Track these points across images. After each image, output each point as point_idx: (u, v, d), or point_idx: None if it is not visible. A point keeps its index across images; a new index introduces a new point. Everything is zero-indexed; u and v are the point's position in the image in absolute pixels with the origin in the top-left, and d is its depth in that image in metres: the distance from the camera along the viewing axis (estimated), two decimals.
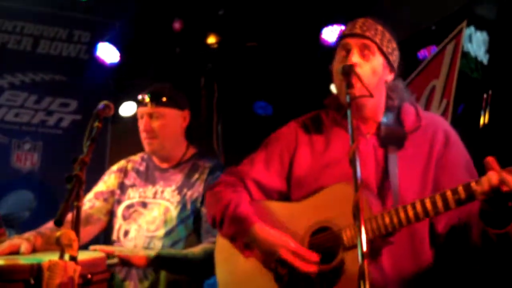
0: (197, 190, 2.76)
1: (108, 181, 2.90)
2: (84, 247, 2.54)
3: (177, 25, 4.63)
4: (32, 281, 1.78)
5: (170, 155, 2.87)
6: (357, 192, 1.60)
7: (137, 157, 2.99)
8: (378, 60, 2.10)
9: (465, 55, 3.20)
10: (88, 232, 2.78)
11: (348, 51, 2.10)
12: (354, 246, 1.92)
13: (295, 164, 2.22)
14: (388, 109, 2.17)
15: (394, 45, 2.16)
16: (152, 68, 4.65)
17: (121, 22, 4.74)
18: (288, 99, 4.65)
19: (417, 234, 2.03)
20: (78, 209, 1.81)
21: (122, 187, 2.88)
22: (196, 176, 2.80)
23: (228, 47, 4.65)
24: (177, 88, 2.94)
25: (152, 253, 2.56)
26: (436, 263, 2.08)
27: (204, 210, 2.70)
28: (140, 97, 2.83)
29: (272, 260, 2.09)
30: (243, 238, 2.14)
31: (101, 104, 2.15)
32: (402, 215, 1.89)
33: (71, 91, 4.78)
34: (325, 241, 2.03)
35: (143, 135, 2.83)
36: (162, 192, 2.80)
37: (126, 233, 2.77)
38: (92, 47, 4.57)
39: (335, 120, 2.23)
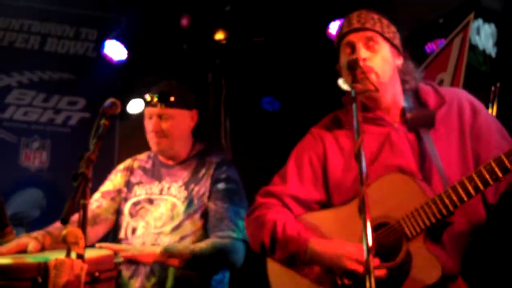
0: (204, 185, 2.76)
1: (115, 180, 2.91)
2: (93, 247, 2.55)
3: (184, 21, 4.62)
4: (39, 280, 1.78)
5: (177, 154, 2.88)
6: (362, 187, 1.59)
7: (143, 156, 3.00)
8: (385, 48, 2.08)
9: (473, 48, 3.18)
10: (96, 231, 2.79)
11: (353, 48, 2.08)
12: (417, 234, 1.89)
13: (329, 170, 2.18)
14: (406, 93, 2.15)
15: (394, 28, 2.13)
16: (159, 64, 4.64)
17: (128, 19, 4.74)
18: (296, 95, 4.64)
19: (468, 208, 1.97)
20: (85, 207, 1.81)
21: (129, 185, 2.88)
22: (203, 171, 2.80)
23: (236, 42, 4.64)
24: (184, 85, 2.93)
25: (158, 249, 2.56)
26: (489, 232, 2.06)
27: (211, 205, 2.71)
28: (148, 97, 2.82)
29: (335, 273, 2.03)
30: (300, 258, 2.06)
31: (107, 102, 2.15)
32: (460, 190, 1.85)
33: (79, 89, 4.76)
34: (386, 236, 1.96)
35: (151, 135, 2.83)
36: (169, 188, 2.80)
37: (134, 230, 2.78)
38: (99, 45, 4.57)
39: None
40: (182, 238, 2.69)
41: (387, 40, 2.09)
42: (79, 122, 4.77)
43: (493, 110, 2.86)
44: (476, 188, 1.84)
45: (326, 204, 2.20)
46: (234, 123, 4.69)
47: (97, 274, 1.92)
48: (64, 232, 1.69)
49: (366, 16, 2.09)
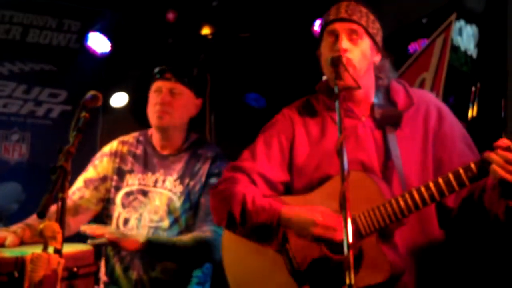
0: (200, 180, 2.73)
1: (100, 166, 2.82)
2: (75, 236, 2.53)
3: (170, 16, 4.59)
4: (16, 274, 1.77)
5: (172, 139, 2.82)
6: (343, 183, 1.61)
7: (131, 139, 2.90)
8: (366, 43, 2.11)
9: (455, 49, 3.22)
10: (78, 221, 2.73)
11: (336, 37, 2.10)
12: (371, 233, 1.95)
13: (294, 152, 2.23)
14: (377, 89, 2.19)
15: (378, 25, 2.17)
16: (143, 58, 4.61)
17: (112, 11, 4.70)
18: (281, 92, 4.64)
19: (423, 213, 2.03)
20: (63, 201, 1.79)
21: (120, 173, 2.81)
22: (199, 165, 2.77)
23: (221, 38, 4.63)
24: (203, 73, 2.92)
25: (141, 238, 2.53)
26: (448, 239, 2.09)
27: (202, 200, 2.69)
28: (159, 70, 2.79)
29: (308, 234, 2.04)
30: (273, 226, 2.08)
31: (88, 94, 2.12)
32: (417, 197, 1.90)
33: (61, 81, 4.70)
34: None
35: (155, 108, 2.75)
36: (164, 181, 2.76)
37: (126, 221, 2.75)
38: (82, 37, 4.50)
39: (326, 105, 2.23)
40: (179, 233, 2.68)
41: (370, 35, 2.12)
42: (60, 115, 4.70)
43: (473, 110, 2.91)
44: (431, 197, 1.90)
45: (290, 185, 2.24)
46: (218, 119, 4.69)
47: (75, 269, 1.91)
48: (41, 226, 1.67)
49: (355, 8, 2.12)
